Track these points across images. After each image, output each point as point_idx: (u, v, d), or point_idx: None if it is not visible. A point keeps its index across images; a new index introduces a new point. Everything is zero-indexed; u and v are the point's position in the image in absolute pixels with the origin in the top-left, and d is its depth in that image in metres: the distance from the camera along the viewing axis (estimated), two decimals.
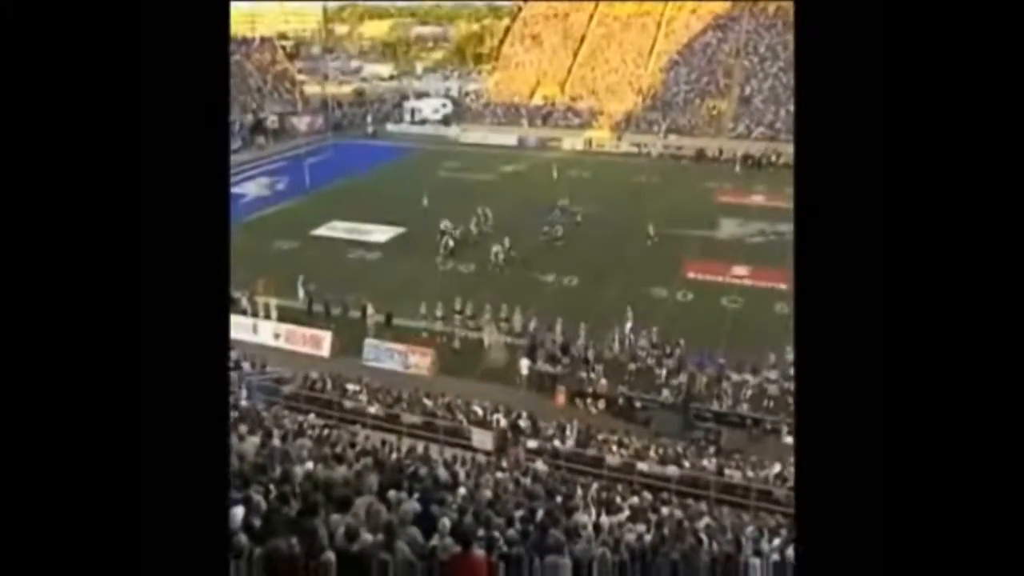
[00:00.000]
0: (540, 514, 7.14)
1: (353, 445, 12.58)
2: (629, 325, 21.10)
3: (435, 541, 5.47)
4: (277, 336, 22.03)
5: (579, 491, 10.31)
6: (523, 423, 16.63)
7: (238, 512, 5.13)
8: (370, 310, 25.00)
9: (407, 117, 67.07)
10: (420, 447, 15.15)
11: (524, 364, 20.84)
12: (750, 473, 12.73)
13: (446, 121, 65.19)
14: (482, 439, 15.68)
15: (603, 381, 20.32)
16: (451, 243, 32.99)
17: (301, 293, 24.20)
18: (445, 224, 33.99)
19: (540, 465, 13.37)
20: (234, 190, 40.04)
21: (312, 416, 15.00)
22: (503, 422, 16.51)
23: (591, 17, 57.77)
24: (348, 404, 18.77)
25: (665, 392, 17.49)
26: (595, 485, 11.60)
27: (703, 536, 7.41)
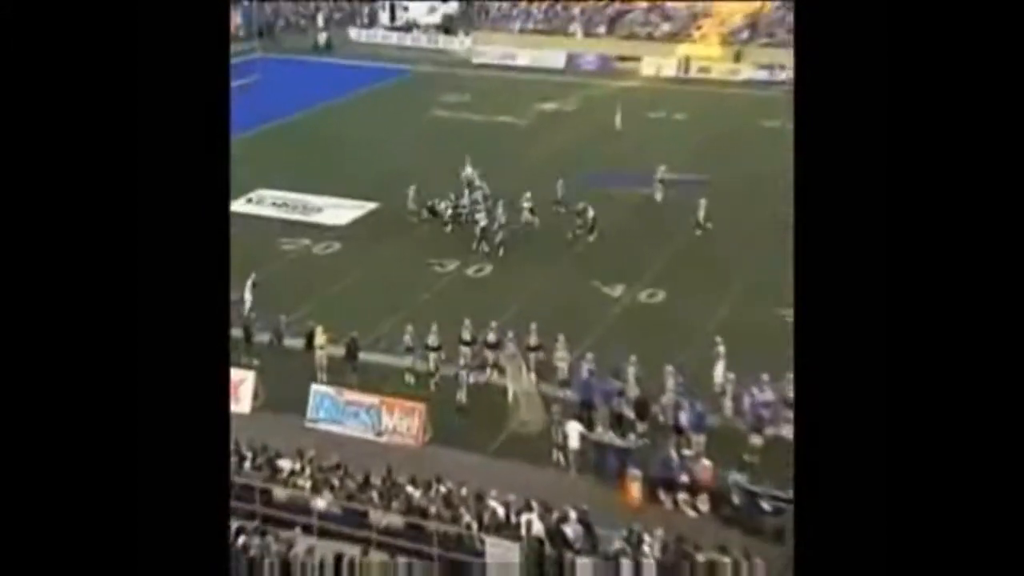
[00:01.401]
0: None
1: (287, 571, 12.04)
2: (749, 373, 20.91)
3: None
4: None
5: None
6: (571, 529, 16.31)
7: None
8: (320, 337, 24.64)
9: (382, 18, 63.57)
10: (401, 569, 15.10)
11: (573, 430, 21.40)
12: None
13: (447, 27, 62.26)
14: (503, 554, 15.00)
15: (705, 463, 19.86)
16: (448, 224, 33.60)
17: None
18: (442, 204, 34.14)
19: None
20: None
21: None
22: (537, 526, 16.31)
23: None
24: (280, 494, 18.85)
25: None
26: None
27: None
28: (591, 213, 33.00)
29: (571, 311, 27.25)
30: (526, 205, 33.59)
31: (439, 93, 52.50)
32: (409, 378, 24.36)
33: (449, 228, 33.74)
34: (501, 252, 31.64)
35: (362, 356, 24.51)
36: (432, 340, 24.16)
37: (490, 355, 24.29)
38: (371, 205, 36.44)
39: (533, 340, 24.13)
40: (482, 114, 48.94)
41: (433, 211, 34.29)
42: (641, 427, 21.42)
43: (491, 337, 24.34)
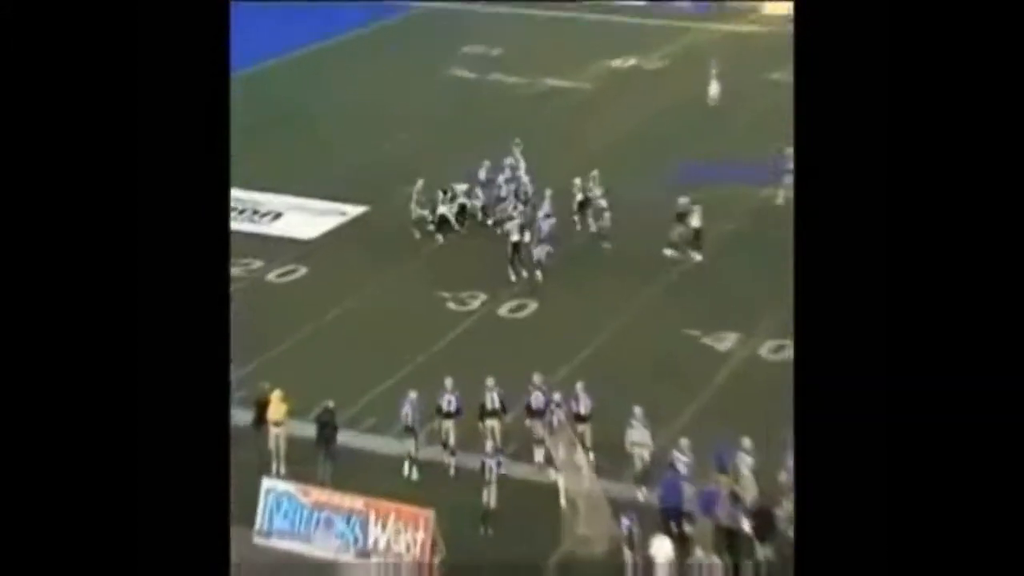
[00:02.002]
0: None
1: None
2: None
3: None
4: None
5: None
6: None
7: None
8: (276, 408, 24.37)
9: None
10: None
11: (660, 551, 21.31)
12: None
13: None
14: None
15: None
16: (454, 223, 34.20)
17: None
18: (455, 206, 34.90)
19: None
20: None
21: None
22: None
23: None
24: None
25: None
26: None
27: None
28: (696, 222, 32.83)
29: (657, 371, 27.19)
30: (592, 206, 33.76)
31: (456, 43, 52.95)
32: (410, 469, 24.35)
33: (469, 241, 34.02)
34: (543, 277, 31.88)
35: (341, 437, 24.52)
36: (448, 401, 24.35)
37: (533, 431, 24.46)
38: (354, 209, 36.68)
39: (589, 409, 24.25)
40: (520, 75, 49.25)
41: (445, 219, 34.53)
42: (764, 550, 21.30)
43: (534, 402, 24.39)
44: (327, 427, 24.29)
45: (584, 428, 24.14)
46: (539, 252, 32.24)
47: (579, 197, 34.60)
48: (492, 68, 50.50)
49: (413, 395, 24.44)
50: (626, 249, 33.31)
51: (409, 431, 24.27)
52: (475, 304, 31.30)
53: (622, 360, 27.71)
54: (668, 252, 33.18)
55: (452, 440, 24.41)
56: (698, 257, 32.81)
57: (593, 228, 33.86)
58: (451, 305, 31.22)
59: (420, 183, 34.78)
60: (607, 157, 38.09)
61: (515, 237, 32.37)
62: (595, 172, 34.78)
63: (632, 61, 50.93)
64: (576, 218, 34.64)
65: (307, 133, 42.56)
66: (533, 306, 31.18)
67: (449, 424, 24.37)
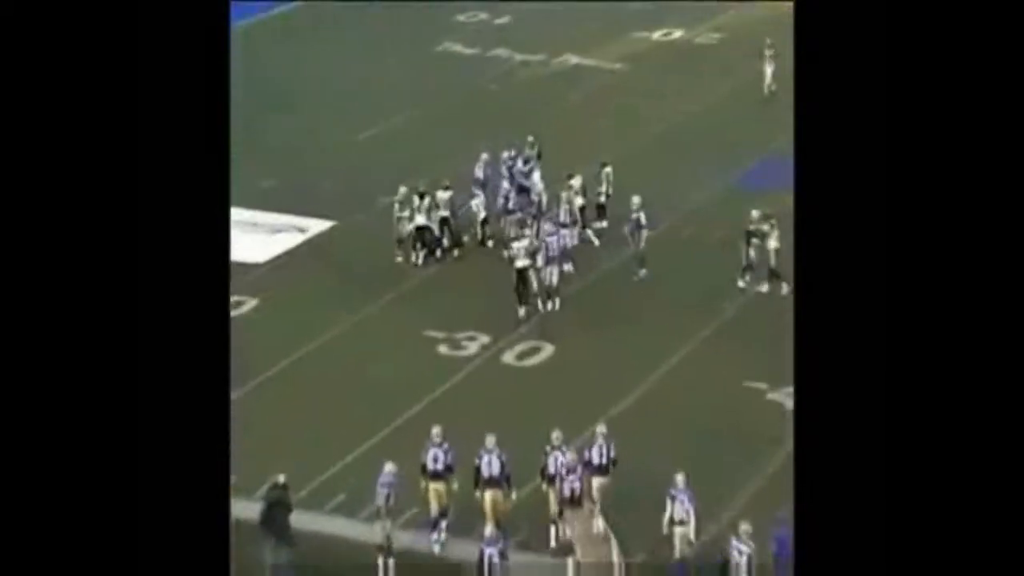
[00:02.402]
0: None
1: None
2: None
3: None
4: None
5: None
6: None
7: None
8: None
9: None
10: None
11: None
12: None
13: None
14: None
15: None
16: (441, 237, 34.43)
17: None
18: (425, 205, 34.97)
19: None
20: None
21: None
22: None
23: None
24: None
25: None
26: None
27: None
28: (774, 243, 32.88)
29: (708, 435, 27.21)
30: (629, 223, 33.67)
31: (449, 8, 53.72)
32: (384, 565, 24.31)
33: (466, 264, 34.09)
34: (557, 308, 31.92)
35: (296, 520, 24.51)
36: (431, 468, 24.39)
37: (550, 505, 24.37)
38: (317, 225, 36.97)
39: (607, 458, 24.41)
40: (533, 50, 49.66)
41: (426, 232, 34.50)
42: None
43: (552, 466, 24.45)
44: (277, 507, 24.21)
45: (602, 481, 24.38)
46: (549, 274, 32.30)
47: (601, 199, 35.15)
48: (496, 41, 50.89)
49: (390, 468, 24.39)
50: (670, 277, 33.47)
51: (385, 514, 24.27)
52: (474, 348, 31.30)
53: (663, 421, 27.71)
54: (742, 284, 33.21)
55: (439, 510, 24.37)
56: (785, 289, 32.10)
57: (635, 247, 33.80)
58: (443, 349, 31.20)
59: (402, 191, 34.83)
60: (646, 157, 38.52)
61: (522, 262, 32.26)
62: (608, 170, 35.24)
63: (678, 33, 51.26)
64: (591, 232, 34.91)
65: (254, 126, 42.29)
66: (548, 350, 31.15)
67: (439, 487, 24.37)
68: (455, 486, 24.42)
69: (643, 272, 33.66)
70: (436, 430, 24.52)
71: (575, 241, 33.77)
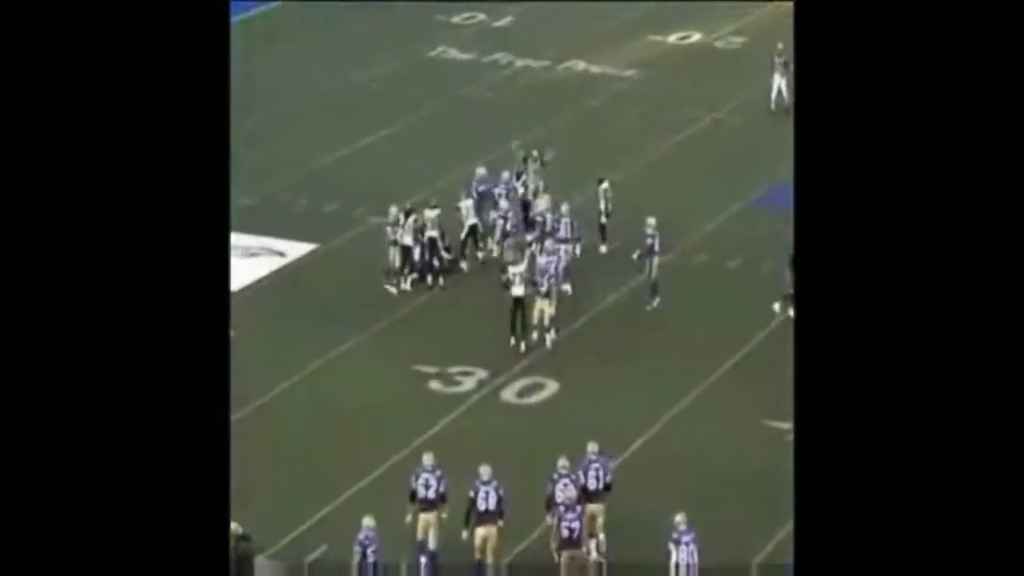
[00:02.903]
0: None
1: None
2: None
3: None
4: None
5: None
6: None
7: None
8: None
9: None
10: None
11: None
12: None
13: None
14: None
15: None
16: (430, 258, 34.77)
17: None
18: (409, 224, 35.21)
19: None
20: None
21: None
22: None
23: None
24: None
25: None
26: None
27: None
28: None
29: (727, 481, 27.24)
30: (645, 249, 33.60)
31: (444, 9, 53.74)
32: None
33: (461, 291, 34.06)
34: (553, 341, 31.59)
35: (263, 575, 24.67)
36: (422, 495, 24.75)
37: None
38: (296, 248, 37.08)
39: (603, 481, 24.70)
40: (536, 55, 49.85)
41: (412, 262, 34.51)
42: None
43: (559, 495, 24.61)
44: (241, 562, 24.26)
45: (595, 510, 24.69)
46: (551, 298, 32.26)
47: (601, 219, 35.33)
48: (495, 45, 50.99)
49: (368, 523, 24.39)
50: (683, 307, 33.61)
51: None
52: (470, 384, 31.36)
53: (676, 465, 27.76)
54: (777, 306, 33.22)
55: (431, 542, 24.61)
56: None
57: (649, 273, 33.75)
58: (435, 385, 31.25)
59: (393, 212, 34.88)
60: (659, 174, 38.79)
61: (519, 290, 32.29)
62: (605, 186, 35.35)
63: (696, 36, 51.46)
64: (604, 247, 35.15)
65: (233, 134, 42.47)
66: (551, 387, 31.16)
67: (429, 519, 24.64)
68: (444, 516, 24.78)
69: (656, 301, 33.70)
70: (428, 456, 24.99)
71: (577, 254, 33.99)
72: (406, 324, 33.58)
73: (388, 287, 34.52)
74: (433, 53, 50.37)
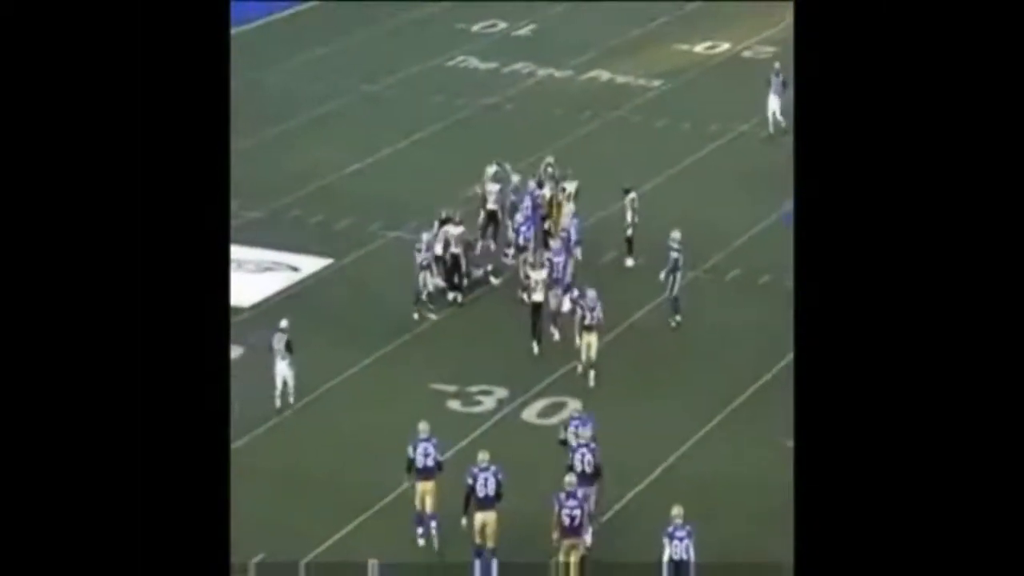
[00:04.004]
0: None
1: None
2: None
3: None
4: None
5: None
6: None
7: None
8: None
9: None
10: None
11: None
12: None
13: None
14: None
15: None
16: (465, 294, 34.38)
17: None
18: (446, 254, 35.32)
19: None
20: None
21: None
22: None
23: None
24: None
25: None
26: None
27: None
28: None
29: (753, 506, 26.81)
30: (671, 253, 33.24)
31: (465, 16, 53.78)
32: None
33: (481, 306, 33.79)
34: (593, 376, 31.36)
35: None
36: (421, 463, 25.41)
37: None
38: (311, 263, 36.89)
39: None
40: (557, 65, 49.83)
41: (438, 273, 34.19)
42: None
43: (567, 516, 24.49)
44: None
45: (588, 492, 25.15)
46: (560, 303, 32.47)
47: (628, 232, 35.15)
48: (516, 54, 50.89)
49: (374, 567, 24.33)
50: (712, 324, 33.44)
51: None
52: (489, 403, 31.13)
53: (702, 484, 27.45)
54: None
55: (429, 506, 25.78)
56: None
57: (667, 293, 33.48)
58: (454, 404, 31.03)
59: (425, 237, 34.42)
60: (686, 186, 38.71)
61: (540, 295, 32.35)
62: (632, 196, 35.33)
63: (724, 46, 51.33)
64: (630, 260, 35.01)
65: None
66: (574, 407, 30.27)
67: (427, 487, 25.44)
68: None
69: (678, 318, 33.54)
70: (424, 425, 26.45)
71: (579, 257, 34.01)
72: (424, 341, 33.34)
73: (417, 314, 34.26)
74: (452, 62, 50.32)
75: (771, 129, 44.09)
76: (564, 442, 26.90)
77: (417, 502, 25.56)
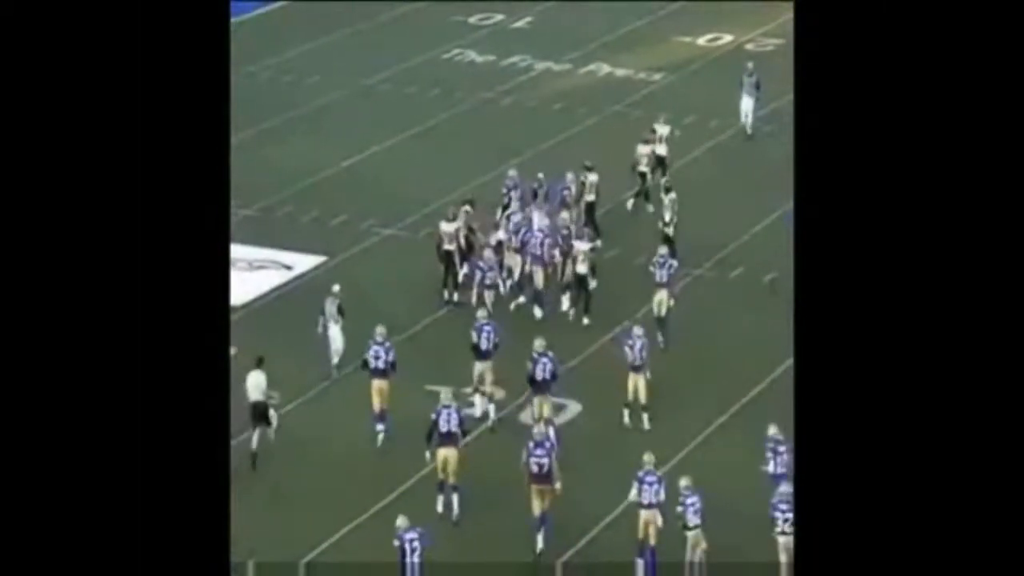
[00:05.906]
0: None
1: None
2: None
3: None
4: None
5: None
6: None
7: None
8: None
9: None
10: None
11: None
12: None
13: None
14: None
15: None
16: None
17: None
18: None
19: None
20: None
21: None
22: None
23: None
24: None
25: None
26: None
27: None
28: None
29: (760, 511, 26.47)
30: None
31: (460, 9, 53.75)
32: None
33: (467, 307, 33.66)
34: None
35: None
36: (444, 428, 25.97)
37: None
38: (304, 261, 36.92)
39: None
40: (555, 58, 49.78)
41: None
42: None
43: (536, 464, 25.44)
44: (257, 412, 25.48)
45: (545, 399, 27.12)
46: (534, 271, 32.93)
47: (669, 231, 34.79)
48: (514, 47, 50.83)
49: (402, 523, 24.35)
50: (716, 324, 33.48)
51: None
52: (484, 405, 30.95)
53: (708, 486, 26.91)
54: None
55: (451, 475, 26.76)
56: None
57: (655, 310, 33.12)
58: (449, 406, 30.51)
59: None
60: (688, 183, 38.37)
61: (583, 267, 32.97)
62: (673, 195, 35.03)
63: (727, 38, 51.35)
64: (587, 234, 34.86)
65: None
66: (574, 409, 30.82)
67: (450, 453, 26.51)
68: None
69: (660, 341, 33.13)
70: (446, 392, 27.59)
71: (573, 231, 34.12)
72: (417, 342, 33.29)
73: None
74: (449, 56, 50.24)
75: (748, 130, 44.17)
76: (532, 379, 28.52)
77: (440, 471, 26.42)
